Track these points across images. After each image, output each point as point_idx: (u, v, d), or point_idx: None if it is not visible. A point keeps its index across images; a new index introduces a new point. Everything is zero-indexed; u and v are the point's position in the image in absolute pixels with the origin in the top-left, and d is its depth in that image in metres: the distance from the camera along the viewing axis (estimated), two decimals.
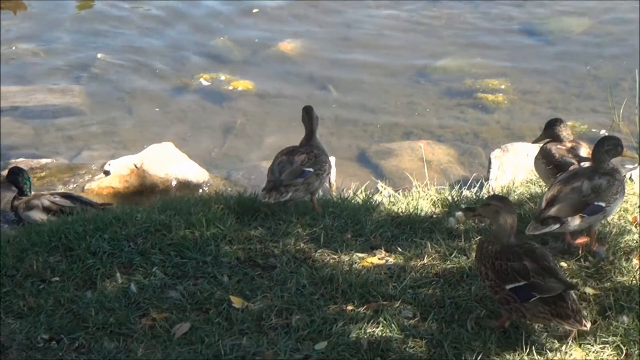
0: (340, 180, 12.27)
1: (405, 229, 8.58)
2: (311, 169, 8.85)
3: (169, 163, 12.37)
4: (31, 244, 8.27)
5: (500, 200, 6.74)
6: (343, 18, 18.35)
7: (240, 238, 8.26)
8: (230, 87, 15.29)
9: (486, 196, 8.64)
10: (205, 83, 15.41)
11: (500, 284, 6.57)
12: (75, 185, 12.18)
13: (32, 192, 11.44)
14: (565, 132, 9.05)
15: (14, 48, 16.67)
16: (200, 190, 12.24)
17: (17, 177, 11.51)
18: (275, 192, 8.62)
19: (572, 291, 6.53)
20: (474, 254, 7.26)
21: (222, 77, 15.61)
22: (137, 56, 16.63)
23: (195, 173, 12.40)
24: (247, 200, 9.09)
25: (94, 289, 7.58)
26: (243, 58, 16.75)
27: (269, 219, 8.66)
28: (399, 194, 10.05)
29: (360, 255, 8.08)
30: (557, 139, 9.05)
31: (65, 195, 11.34)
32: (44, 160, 12.71)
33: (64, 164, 12.81)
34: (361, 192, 9.98)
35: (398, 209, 9.13)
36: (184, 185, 12.30)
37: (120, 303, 7.33)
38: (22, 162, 12.45)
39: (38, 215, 11.13)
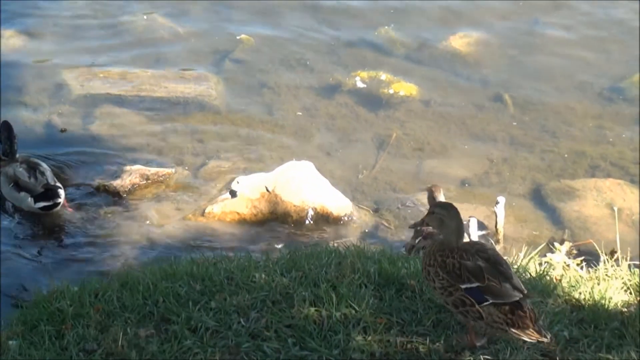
0: (510, 226, 10.91)
1: (588, 329, 7.23)
2: None
3: (307, 188, 11.19)
4: (121, 306, 7.22)
5: (443, 208, 6.76)
6: (529, 11, 16.72)
7: (377, 325, 7.02)
8: (391, 91, 13.99)
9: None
10: (361, 84, 14.14)
11: (453, 283, 6.47)
12: (196, 208, 11.07)
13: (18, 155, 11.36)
14: None
15: (149, 21, 15.74)
16: (341, 222, 11.04)
17: None
18: None
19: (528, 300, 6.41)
20: None
21: (383, 77, 14.34)
22: (285, 41, 15.50)
23: (337, 203, 11.19)
24: (392, 266, 7.81)
25: None
26: (407, 53, 15.46)
27: (416, 299, 7.37)
28: (580, 266, 8.68)
29: None
30: None
31: (30, 166, 11.09)
32: (163, 171, 11.72)
33: (186, 178, 11.79)
34: (533, 258, 8.63)
35: (580, 294, 7.77)
36: (322, 218, 11.11)
37: None
38: (137, 171, 11.55)
39: (4, 188, 11.10)
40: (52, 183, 10.97)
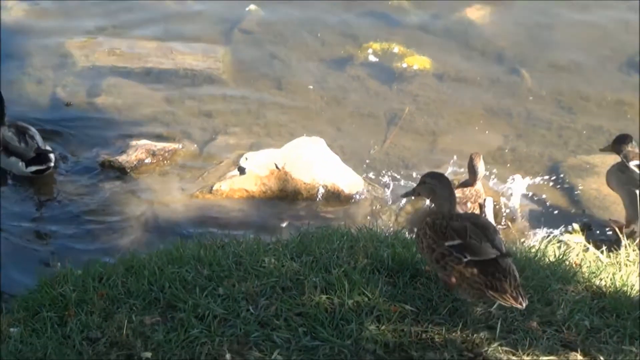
0: (526, 205, 10.70)
1: (610, 318, 7.03)
2: None
3: (317, 165, 10.91)
4: (126, 292, 7.02)
5: (434, 178, 6.91)
6: None
7: (391, 314, 6.78)
8: (404, 65, 13.68)
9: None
10: (373, 58, 13.83)
11: (437, 240, 6.63)
12: (203, 186, 10.82)
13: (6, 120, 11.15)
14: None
15: None
16: (352, 200, 10.80)
17: None
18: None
19: (514, 266, 6.47)
20: None
21: (395, 49, 14.03)
22: (295, 12, 15.16)
23: (348, 181, 10.92)
24: (405, 251, 7.58)
25: None
26: (421, 24, 15.12)
27: (431, 286, 7.15)
28: (601, 249, 8.47)
29: (547, 359, 6.46)
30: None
31: (20, 130, 10.95)
32: (170, 146, 11.45)
33: (193, 153, 11.52)
34: (552, 241, 8.41)
35: (601, 280, 7.54)
36: (333, 196, 10.85)
37: None
38: (143, 146, 11.30)
39: None
40: (43, 147, 10.91)
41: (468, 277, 6.52)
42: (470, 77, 13.63)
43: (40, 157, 10.80)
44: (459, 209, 9.62)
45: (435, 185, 6.84)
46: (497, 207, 10.57)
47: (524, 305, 6.36)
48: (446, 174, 10.74)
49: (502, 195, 10.83)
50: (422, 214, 7.03)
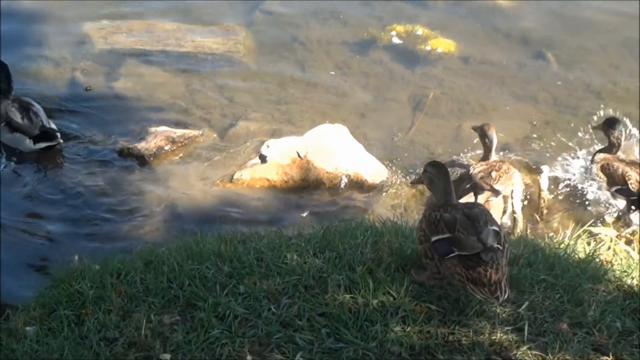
0: (554, 197, 10.49)
1: None
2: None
3: (340, 154, 10.74)
4: (144, 290, 6.87)
5: (433, 167, 6.96)
6: None
7: (416, 314, 6.60)
8: (428, 47, 13.47)
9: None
10: (397, 40, 13.62)
11: (428, 234, 6.65)
12: (224, 175, 10.65)
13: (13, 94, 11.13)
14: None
15: None
16: (376, 190, 10.63)
17: None
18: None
19: (502, 259, 6.42)
20: None
21: (419, 32, 13.83)
22: None
23: (372, 170, 10.75)
24: None
25: None
26: (445, 5, 14.90)
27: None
28: (631, 244, 8.25)
29: None
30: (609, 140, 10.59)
31: (23, 107, 10.90)
32: (190, 133, 11.31)
33: (213, 140, 11.36)
34: (581, 236, 8.22)
35: (632, 279, 7.34)
36: (356, 185, 10.68)
37: None
38: (162, 133, 11.13)
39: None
40: (47, 125, 10.87)
41: (450, 268, 6.49)
42: (496, 60, 13.44)
43: (47, 133, 10.73)
44: (485, 181, 9.63)
45: (433, 174, 6.90)
46: (524, 198, 10.39)
47: (501, 299, 6.29)
48: (472, 161, 10.66)
49: (529, 186, 10.64)
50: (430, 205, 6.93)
